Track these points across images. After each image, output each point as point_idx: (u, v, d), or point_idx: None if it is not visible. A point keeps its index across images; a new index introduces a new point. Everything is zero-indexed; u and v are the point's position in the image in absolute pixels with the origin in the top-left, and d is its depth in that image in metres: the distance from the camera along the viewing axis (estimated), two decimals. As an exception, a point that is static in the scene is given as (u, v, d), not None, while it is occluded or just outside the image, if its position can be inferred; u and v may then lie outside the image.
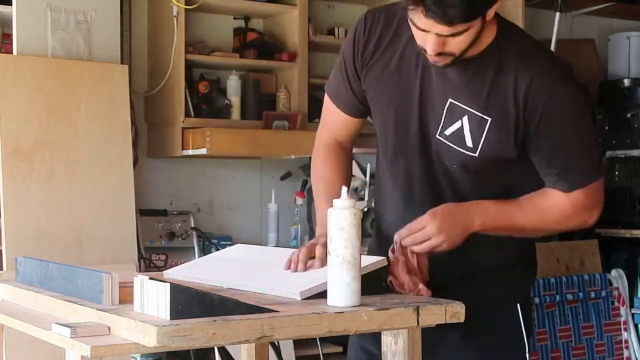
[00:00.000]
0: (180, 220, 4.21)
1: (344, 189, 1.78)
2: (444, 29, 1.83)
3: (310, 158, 2.29)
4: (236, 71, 4.32)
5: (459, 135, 1.98)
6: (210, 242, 4.10)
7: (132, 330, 1.53)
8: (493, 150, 1.97)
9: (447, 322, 1.76)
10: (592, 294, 4.46)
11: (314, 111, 4.55)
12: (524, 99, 1.93)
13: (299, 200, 4.46)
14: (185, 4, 4.06)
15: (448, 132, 2.00)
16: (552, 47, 4.56)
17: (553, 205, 2.02)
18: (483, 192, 2.03)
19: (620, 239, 4.98)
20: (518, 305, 2.11)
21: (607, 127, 5.08)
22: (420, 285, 1.90)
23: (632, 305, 4.60)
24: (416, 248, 1.92)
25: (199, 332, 1.50)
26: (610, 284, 4.55)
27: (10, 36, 3.80)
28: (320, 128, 2.26)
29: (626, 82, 5.18)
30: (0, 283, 2.15)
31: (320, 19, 4.66)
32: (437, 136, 2.01)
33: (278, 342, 3.19)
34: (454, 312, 1.76)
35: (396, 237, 1.93)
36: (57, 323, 1.62)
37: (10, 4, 3.71)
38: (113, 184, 3.75)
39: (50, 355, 2.93)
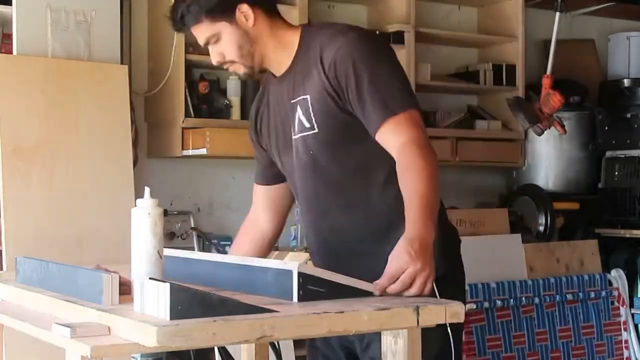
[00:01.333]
0: (180, 220, 4.21)
1: (147, 189, 1.92)
2: (199, 37, 2.19)
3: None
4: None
5: (300, 123, 2.20)
6: (210, 242, 4.10)
7: (132, 330, 1.53)
8: (325, 119, 2.15)
9: (447, 322, 1.76)
10: (592, 294, 4.46)
11: (314, 111, 4.55)
12: (321, 62, 2.13)
13: (299, 201, 4.46)
14: (185, 4, 4.06)
15: (295, 127, 2.21)
16: (552, 47, 4.56)
17: (410, 162, 2.02)
18: (343, 172, 2.17)
19: (620, 239, 4.99)
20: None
21: (606, 127, 5.09)
22: None
23: (632, 305, 4.61)
24: (412, 291, 1.84)
25: (199, 332, 1.50)
26: (610, 284, 4.56)
27: (10, 36, 3.80)
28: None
29: (626, 82, 5.18)
30: (0, 283, 2.16)
31: (320, 19, 4.67)
32: (294, 137, 2.22)
33: (278, 343, 3.19)
34: (453, 312, 1.76)
35: (378, 292, 1.85)
36: (57, 323, 1.62)
37: (10, 4, 3.71)
38: (113, 184, 3.75)
39: (51, 356, 2.93)
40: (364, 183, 2.18)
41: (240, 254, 2.37)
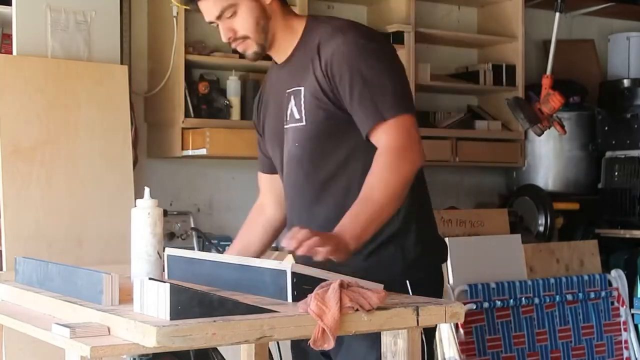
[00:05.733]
0: (180, 220, 4.21)
1: (147, 189, 1.92)
2: (212, 10, 2.12)
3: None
4: (236, 71, 4.32)
5: (292, 114, 2.22)
6: (210, 242, 4.10)
7: (132, 330, 1.53)
8: (314, 114, 2.16)
9: (446, 322, 1.76)
10: (592, 295, 4.46)
11: (314, 111, 4.55)
12: (318, 57, 2.15)
13: (299, 201, 4.45)
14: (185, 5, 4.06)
15: (287, 117, 2.22)
16: (552, 48, 4.56)
17: (381, 168, 2.06)
18: (323, 166, 2.19)
19: (620, 239, 4.99)
20: (408, 282, 2.14)
21: (606, 128, 5.09)
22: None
23: (631, 306, 4.61)
24: (321, 250, 1.89)
25: (199, 332, 1.50)
26: (610, 284, 4.55)
27: (10, 36, 3.80)
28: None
29: (626, 82, 5.18)
30: (0, 283, 2.15)
31: (320, 20, 4.66)
32: (284, 127, 2.24)
33: (278, 342, 3.19)
34: (453, 312, 1.76)
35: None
36: (56, 323, 1.62)
37: (10, 4, 3.71)
38: (113, 185, 3.75)
39: (50, 356, 2.93)
40: (344, 179, 2.19)
41: (249, 239, 2.41)
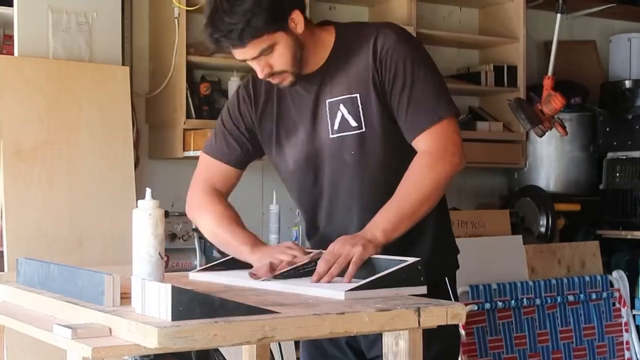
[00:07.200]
0: (182, 221, 4.21)
1: (148, 190, 1.92)
2: (250, 52, 2.08)
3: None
4: (237, 72, 4.32)
5: (343, 123, 2.18)
6: (211, 244, 4.09)
7: (133, 331, 1.53)
8: (374, 118, 2.15)
9: (447, 323, 1.76)
10: (593, 295, 4.46)
11: (315, 112, 4.55)
12: (372, 56, 2.14)
13: (300, 202, 4.45)
14: (187, 6, 4.06)
15: (336, 126, 2.18)
16: (553, 49, 4.56)
17: (417, 169, 2.10)
18: (387, 174, 2.17)
19: (622, 240, 4.99)
20: (446, 278, 2.23)
21: (608, 129, 5.09)
22: None
23: (633, 307, 4.61)
24: (350, 269, 1.95)
25: (200, 333, 1.50)
26: (612, 285, 4.55)
27: (11, 37, 3.80)
28: (197, 180, 2.46)
29: (627, 83, 5.18)
30: (1, 284, 2.15)
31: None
32: (330, 136, 2.20)
33: (279, 343, 3.19)
34: (455, 313, 1.76)
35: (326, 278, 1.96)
36: (58, 324, 1.61)
37: (12, 6, 3.71)
38: (114, 186, 3.75)
39: (52, 357, 2.93)
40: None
41: (248, 239, 2.39)
